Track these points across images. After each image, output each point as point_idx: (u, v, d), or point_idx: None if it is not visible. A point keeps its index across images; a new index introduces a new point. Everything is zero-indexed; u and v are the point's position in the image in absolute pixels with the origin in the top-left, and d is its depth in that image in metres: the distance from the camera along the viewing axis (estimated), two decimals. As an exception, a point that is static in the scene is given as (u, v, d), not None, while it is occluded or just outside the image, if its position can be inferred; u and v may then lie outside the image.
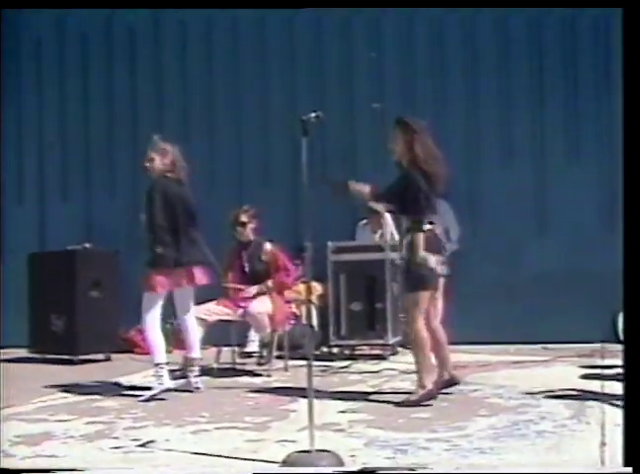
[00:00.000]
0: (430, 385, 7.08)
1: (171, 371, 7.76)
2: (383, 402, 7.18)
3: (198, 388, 7.86)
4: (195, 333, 8.05)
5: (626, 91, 5.07)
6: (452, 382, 7.44)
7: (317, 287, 10.11)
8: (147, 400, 7.44)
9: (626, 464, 4.37)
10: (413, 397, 7.04)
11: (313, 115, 5.65)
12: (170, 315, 8.11)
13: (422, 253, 7.01)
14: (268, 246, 9.07)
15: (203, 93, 11.59)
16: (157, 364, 7.67)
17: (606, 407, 6.46)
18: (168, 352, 7.90)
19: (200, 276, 7.85)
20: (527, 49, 10.80)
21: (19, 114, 11.95)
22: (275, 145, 11.19)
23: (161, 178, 7.73)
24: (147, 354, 8.58)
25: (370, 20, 11.03)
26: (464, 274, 10.11)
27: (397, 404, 6.99)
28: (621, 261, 4.95)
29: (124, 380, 8.55)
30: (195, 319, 8.06)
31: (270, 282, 8.97)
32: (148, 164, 7.79)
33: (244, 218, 9.08)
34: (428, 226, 7.05)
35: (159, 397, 7.50)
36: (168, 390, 7.58)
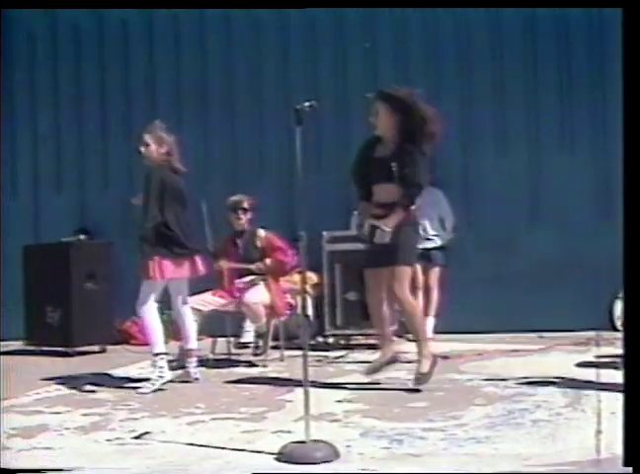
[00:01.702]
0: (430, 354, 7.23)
1: (168, 362, 7.76)
2: (379, 391, 7.19)
3: (197, 379, 7.86)
4: (191, 323, 8.02)
5: (626, 91, 5.08)
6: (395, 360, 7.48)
7: (312, 277, 10.10)
8: (147, 393, 7.44)
9: (626, 464, 4.38)
10: (422, 370, 7.12)
11: (307, 104, 5.64)
12: (164, 306, 8.06)
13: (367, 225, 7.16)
14: (262, 232, 9.07)
15: (197, 83, 11.55)
16: (156, 354, 7.65)
17: (602, 395, 6.46)
18: (165, 342, 7.90)
19: (201, 265, 7.86)
20: (522, 39, 10.77)
21: (12, 106, 11.91)
22: (268, 135, 11.16)
23: (159, 167, 7.71)
24: (143, 345, 8.62)
25: (365, 11, 10.99)
26: (460, 262, 10.14)
27: (414, 382, 7.10)
28: (616, 248, 4.95)
29: (120, 372, 8.54)
30: (190, 309, 8.04)
31: (268, 261, 8.94)
32: (143, 148, 7.76)
33: (245, 205, 9.08)
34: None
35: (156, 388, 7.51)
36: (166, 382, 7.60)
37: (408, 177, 7.04)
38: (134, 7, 10.95)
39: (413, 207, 7.18)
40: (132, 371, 8.32)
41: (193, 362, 7.94)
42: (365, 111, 7.45)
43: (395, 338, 9.57)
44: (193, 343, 7.99)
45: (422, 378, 7.12)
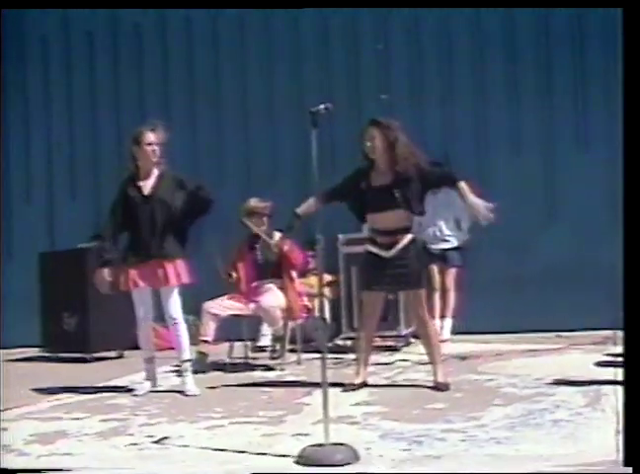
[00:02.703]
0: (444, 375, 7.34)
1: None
2: (397, 393, 7.18)
3: (194, 395, 7.56)
4: (185, 333, 7.76)
5: (626, 91, 5.07)
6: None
7: (327, 277, 10.05)
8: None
9: (626, 464, 4.35)
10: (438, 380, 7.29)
11: (322, 106, 5.64)
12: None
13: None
14: (277, 235, 9.02)
15: (211, 86, 11.54)
16: (146, 360, 7.80)
17: (621, 394, 6.42)
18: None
19: (176, 274, 7.61)
20: (536, 38, 10.73)
21: (26, 113, 11.94)
22: (283, 138, 11.15)
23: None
24: (161, 350, 8.58)
25: (377, 11, 10.97)
26: (476, 263, 10.11)
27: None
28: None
29: (138, 377, 8.53)
30: (182, 319, 7.76)
31: (284, 276, 8.94)
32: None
33: (265, 210, 9.06)
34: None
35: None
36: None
37: (412, 203, 7.25)
38: (134, 7, 10.94)
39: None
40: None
41: (189, 375, 7.72)
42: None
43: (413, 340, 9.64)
44: (187, 353, 7.78)
45: (439, 386, 7.24)
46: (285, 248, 8.83)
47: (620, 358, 7.91)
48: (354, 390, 7.27)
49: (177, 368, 8.20)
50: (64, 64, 11.95)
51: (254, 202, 9.06)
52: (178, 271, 7.60)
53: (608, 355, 8.29)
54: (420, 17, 10.91)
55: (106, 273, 7.67)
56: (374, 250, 7.32)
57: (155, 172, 7.67)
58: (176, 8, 11.01)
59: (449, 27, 10.95)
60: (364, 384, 7.44)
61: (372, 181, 7.33)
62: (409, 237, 7.29)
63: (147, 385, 7.78)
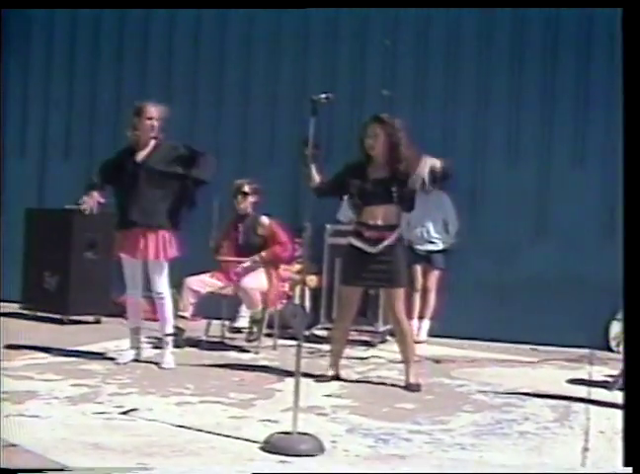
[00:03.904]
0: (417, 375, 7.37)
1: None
2: (368, 389, 7.20)
3: (170, 368, 7.63)
4: (169, 308, 7.82)
5: (626, 91, 5.07)
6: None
7: (313, 279, 10.02)
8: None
9: (626, 464, 4.38)
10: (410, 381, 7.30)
11: (323, 95, 5.66)
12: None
13: None
14: (265, 219, 9.02)
15: (213, 70, 11.50)
16: (132, 329, 7.90)
17: (592, 413, 6.47)
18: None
19: (156, 247, 7.59)
20: (541, 51, 10.68)
21: (25, 70, 11.89)
22: (282, 123, 11.13)
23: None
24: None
25: (387, 11, 10.93)
26: (459, 268, 10.13)
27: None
28: (618, 268, 4.95)
29: (112, 345, 8.55)
30: (169, 293, 7.82)
31: (263, 253, 8.92)
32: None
33: (246, 189, 9.04)
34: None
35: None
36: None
37: (405, 200, 7.25)
38: (134, 7, 10.92)
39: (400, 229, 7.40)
40: (126, 345, 8.28)
41: (168, 348, 7.78)
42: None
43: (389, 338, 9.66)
44: (169, 327, 7.84)
45: (410, 387, 7.26)
46: (271, 229, 8.87)
47: (595, 378, 8.03)
48: (326, 382, 7.29)
49: (152, 341, 8.22)
50: (68, 29, 11.90)
51: (240, 181, 9.07)
52: (161, 243, 7.58)
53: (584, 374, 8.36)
54: (429, 16, 10.86)
55: (92, 194, 7.67)
56: (359, 244, 7.30)
57: (152, 143, 7.69)
58: (183, 8, 10.97)
59: (457, 31, 10.89)
60: (337, 377, 7.47)
61: (369, 174, 7.31)
62: (396, 234, 7.30)
63: (130, 354, 7.81)
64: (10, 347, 8.01)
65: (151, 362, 7.72)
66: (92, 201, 7.63)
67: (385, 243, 7.22)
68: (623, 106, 5.07)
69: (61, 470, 4.61)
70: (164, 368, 7.58)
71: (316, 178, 7.16)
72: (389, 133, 7.18)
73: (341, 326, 7.59)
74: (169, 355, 7.70)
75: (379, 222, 7.25)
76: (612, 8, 7.37)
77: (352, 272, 7.39)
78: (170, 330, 7.80)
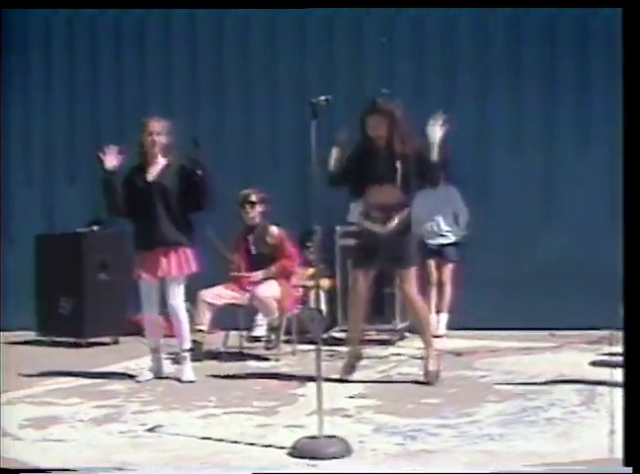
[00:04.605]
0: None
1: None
2: (392, 387, 7.18)
3: (191, 382, 7.64)
4: (186, 323, 7.84)
5: (626, 91, 5.07)
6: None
7: (326, 281, 10.00)
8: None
9: (626, 464, 4.36)
10: (429, 368, 7.31)
11: (323, 98, 5.65)
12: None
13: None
14: (274, 229, 9.02)
15: (213, 76, 11.48)
16: (152, 349, 7.87)
17: (616, 395, 6.43)
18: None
19: (178, 264, 7.64)
20: (539, 38, 10.68)
21: (25, 96, 11.89)
22: (283, 128, 11.12)
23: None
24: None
25: (384, 11, 10.92)
26: (473, 260, 10.10)
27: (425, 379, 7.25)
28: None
29: (133, 364, 8.54)
30: (184, 308, 7.84)
31: (274, 268, 8.92)
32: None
33: (253, 198, 9.02)
34: None
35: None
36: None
37: (410, 180, 7.24)
38: (134, 7, 10.92)
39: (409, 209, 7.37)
40: (146, 363, 8.28)
41: (187, 362, 7.77)
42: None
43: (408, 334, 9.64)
44: (187, 342, 7.84)
45: (429, 375, 7.23)
46: (280, 241, 8.88)
47: (616, 358, 7.97)
48: (347, 373, 7.35)
49: (172, 356, 8.21)
50: (67, 48, 11.89)
51: (246, 192, 9.06)
52: (181, 260, 7.63)
53: (604, 354, 8.30)
54: (425, 13, 10.84)
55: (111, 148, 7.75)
56: (369, 225, 7.31)
57: (162, 160, 7.68)
58: (180, 8, 10.98)
59: (455, 24, 10.88)
60: (358, 359, 7.56)
61: (373, 155, 7.30)
62: (405, 212, 7.28)
63: (151, 372, 7.82)
64: (29, 375, 7.99)
65: (172, 378, 7.71)
66: (114, 157, 7.67)
67: (394, 222, 7.21)
68: (623, 107, 5.08)
69: (62, 470, 4.61)
70: (185, 382, 7.57)
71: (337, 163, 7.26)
72: (391, 118, 7.19)
73: (355, 327, 7.59)
74: (189, 370, 7.69)
75: (387, 202, 7.25)
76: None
77: (362, 254, 7.40)
78: (188, 345, 7.81)
